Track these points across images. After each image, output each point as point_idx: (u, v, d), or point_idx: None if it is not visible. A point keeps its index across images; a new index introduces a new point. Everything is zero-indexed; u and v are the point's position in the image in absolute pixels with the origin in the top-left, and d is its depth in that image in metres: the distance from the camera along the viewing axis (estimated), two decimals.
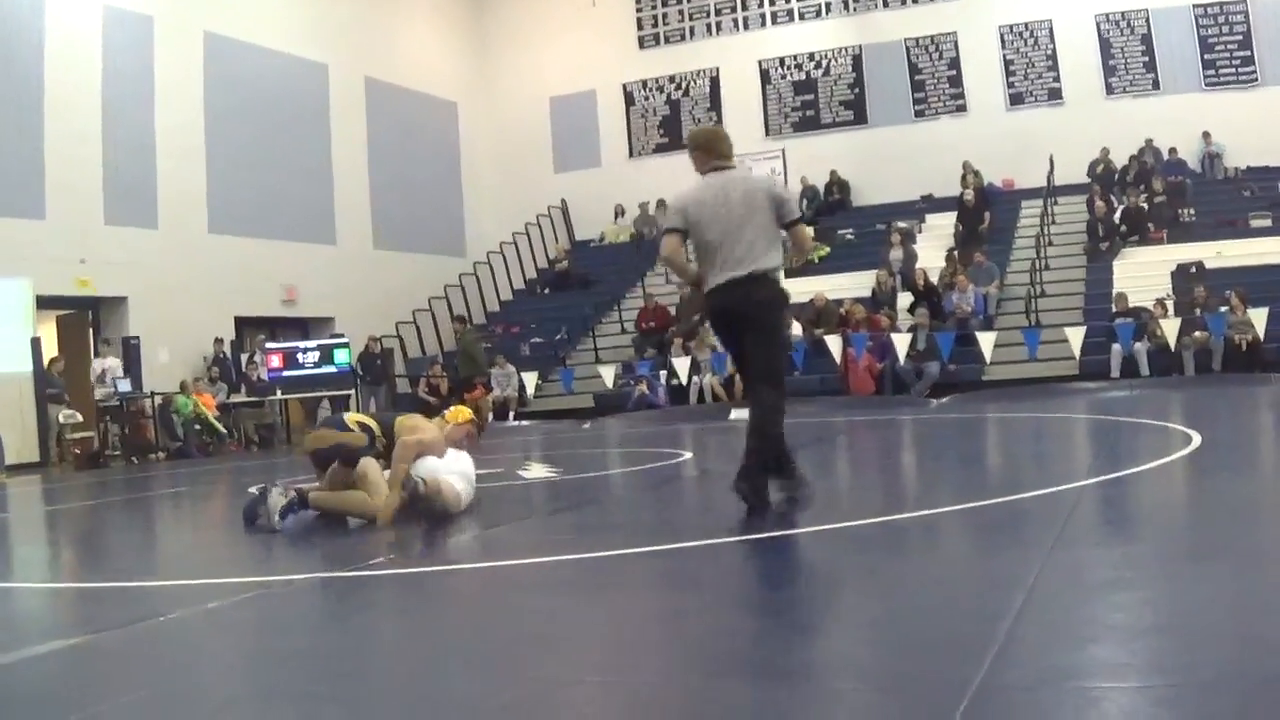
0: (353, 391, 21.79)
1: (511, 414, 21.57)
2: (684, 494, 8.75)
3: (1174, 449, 8.28)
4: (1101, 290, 20.59)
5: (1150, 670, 3.02)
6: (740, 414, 18.26)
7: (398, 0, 27.91)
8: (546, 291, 27.73)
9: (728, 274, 6.41)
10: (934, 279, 21.14)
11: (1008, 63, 26.39)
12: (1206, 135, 24.35)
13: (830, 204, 26.65)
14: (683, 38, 29.16)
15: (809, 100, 27.99)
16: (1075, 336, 18.54)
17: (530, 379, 21.88)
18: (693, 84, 29.03)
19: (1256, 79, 24.44)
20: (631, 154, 29.55)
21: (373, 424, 7.41)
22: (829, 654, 3.46)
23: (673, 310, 23.06)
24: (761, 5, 28.47)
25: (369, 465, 6.97)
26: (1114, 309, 19.13)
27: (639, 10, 29.50)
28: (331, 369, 21.56)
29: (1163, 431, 10.37)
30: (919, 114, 27.05)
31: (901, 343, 19.24)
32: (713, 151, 6.71)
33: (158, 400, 19.53)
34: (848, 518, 6.03)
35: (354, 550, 6.20)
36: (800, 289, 18.95)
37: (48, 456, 18.32)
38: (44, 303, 19.17)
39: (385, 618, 4.54)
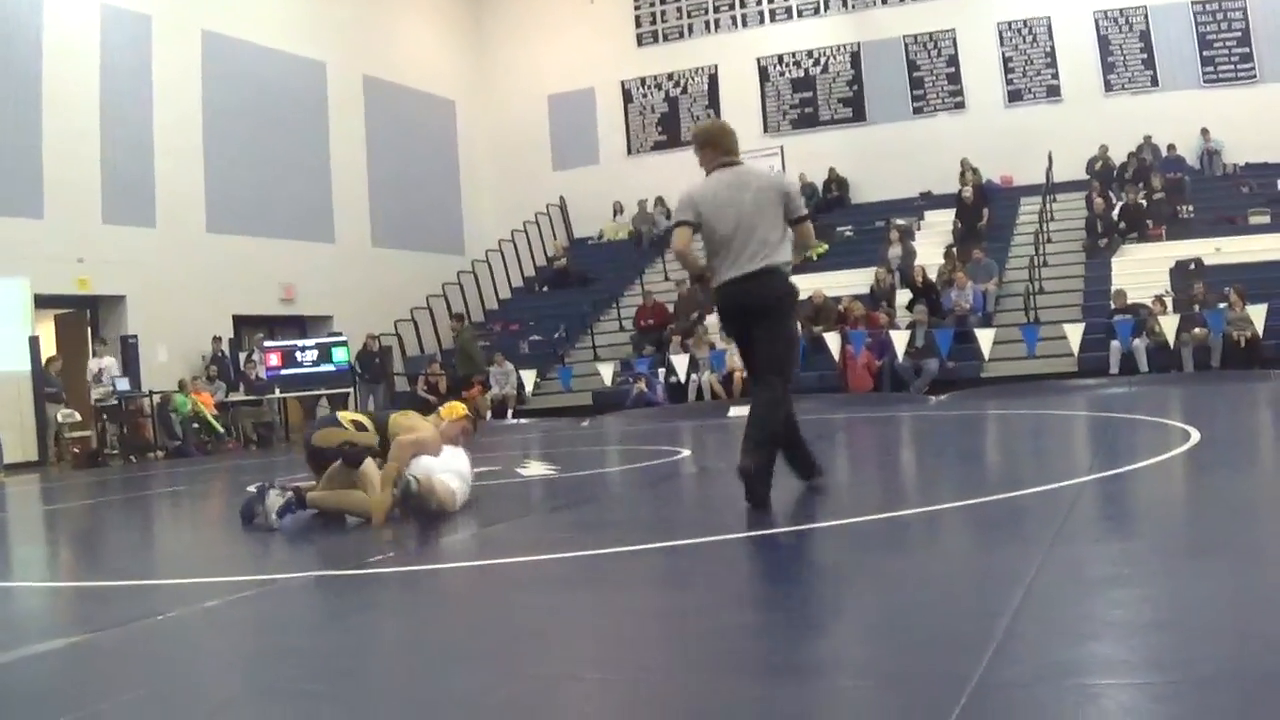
0: (351, 390, 21.80)
1: (510, 412, 21.58)
2: (682, 491, 8.74)
3: (1173, 445, 8.28)
4: (1100, 287, 20.59)
5: (1149, 667, 3.02)
6: (739, 411, 18.29)
7: None
8: (545, 289, 27.75)
9: (741, 268, 6.44)
10: (933, 276, 21.14)
11: (1006, 60, 26.41)
12: (1205, 132, 24.36)
13: (829, 201, 26.65)
14: (681, 35, 29.17)
15: (807, 98, 28.01)
16: (1074, 333, 18.53)
17: (529, 377, 21.88)
18: (691, 81, 29.04)
19: (1255, 76, 24.45)
20: (630, 151, 29.56)
21: (368, 422, 7.40)
22: (828, 650, 3.45)
23: (671, 308, 23.06)
24: (760, 3, 28.50)
25: (369, 464, 6.97)
26: (1113, 306, 19.13)
27: (637, 8, 29.52)
28: (330, 367, 21.56)
29: (1161, 428, 10.37)
30: (917, 111, 27.07)
31: (900, 340, 19.24)
32: (719, 147, 6.74)
33: (156, 399, 19.53)
34: (847, 514, 6.03)
35: (352, 548, 6.19)
36: (799, 286, 18.90)
37: (46, 456, 18.33)
38: (42, 302, 19.19)
39: (384, 616, 4.53)
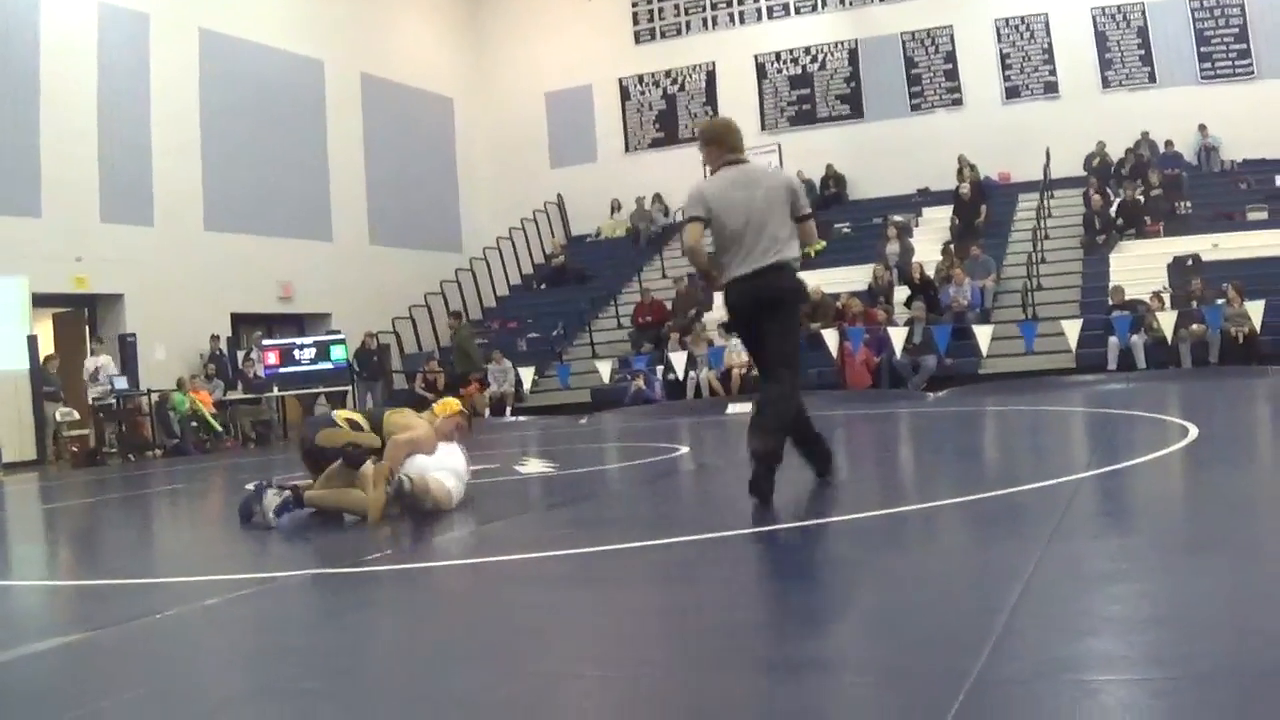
0: (350, 388, 21.79)
1: (508, 409, 21.57)
2: (681, 488, 8.74)
3: (1171, 441, 8.29)
4: (1098, 283, 20.59)
5: (1148, 662, 3.02)
6: (737, 408, 18.30)
7: None
8: (543, 287, 27.75)
9: (752, 264, 6.49)
10: (930, 272, 21.16)
11: (1004, 56, 26.41)
12: (1203, 128, 24.37)
13: (826, 198, 26.63)
14: (679, 32, 29.16)
15: (805, 94, 28.01)
16: (1072, 329, 18.54)
17: (527, 374, 21.88)
18: (689, 79, 29.04)
19: (1253, 72, 24.46)
20: (627, 149, 29.56)
21: (363, 421, 7.40)
22: (827, 647, 3.45)
23: (669, 305, 23.06)
24: (757, 0, 28.46)
25: (367, 464, 6.97)
26: (1110, 302, 19.13)
27: (634, 5, 29.52)
28: (328, 365, 21.54)
29: (1160, 424, 10.38)
30: (915, 108, 27.08)
31: (898, 336, 19.24)
32: (725, 145, 6.79)
33: (154, 398, 19.52)
34: (845, 511, 6.04)
35: (350, 547, 6.19)
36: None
37: (45, 455, 18.33)
38: (40, 301, 19.19)
39: (382, 614, 4.53)
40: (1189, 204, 22.72)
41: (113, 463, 18.15)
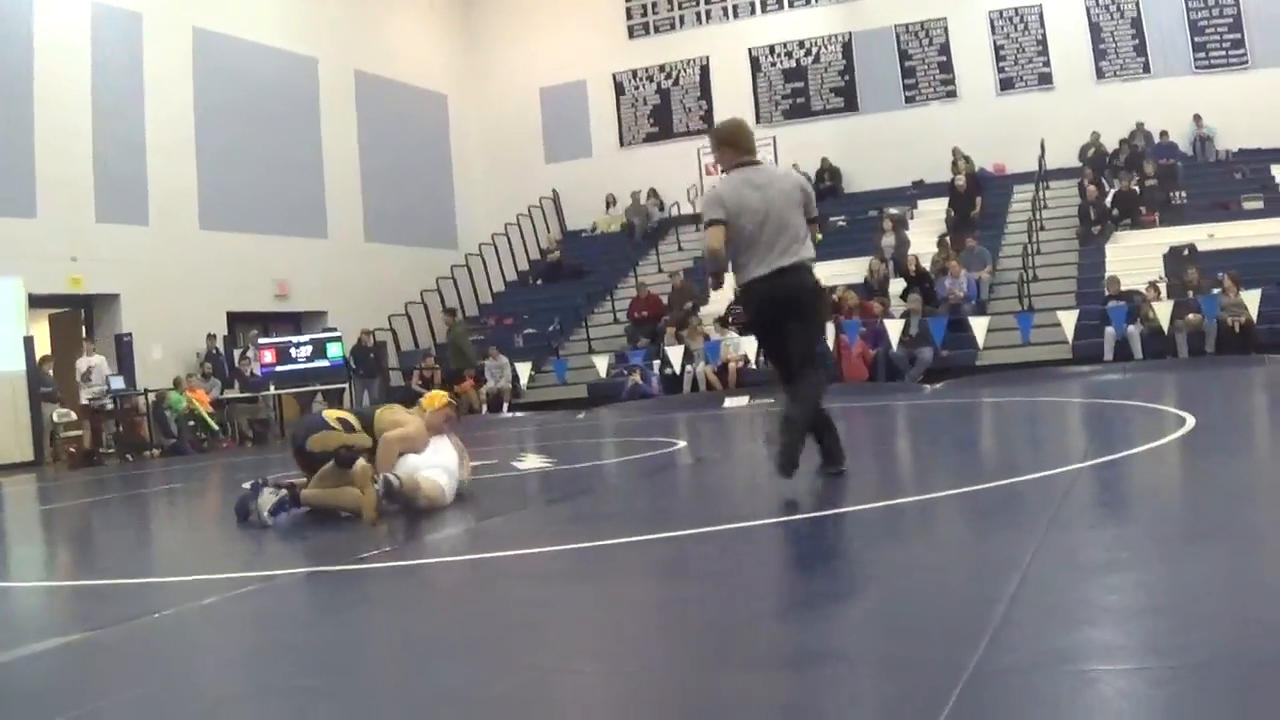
0: (346, 385, 21.78)
1: (505, 405, 21.57)
2: (678, 483, 8.75)
3: (1168, 431, 8.29)
4: (1094, 274, 20.60)
5: (1146, 652, 3.02)
6: (734, 402, 18.32)
7: None
8: (539, 282, 27.74)
9: (773, 264, 6.60)
10: (926, 265, 21.16)
11: (998, 48, 26.40)
12: (1197, 118, 24.38)
13: (821, 191, 26.54)
14: (672, 27, 29.14)
15: (799, 87, 28.00)
16: (1068, 320, 18.56)
17: (524, 370, 21.88)
18: (683, 73, 29.02)
19: (1247, 61, 24.45)
20: (622, 144, 29.55)
21: (354, 420, 7.40)
22: (825, 639, 3.45)
23: (665, 299, 23.07)
24: None
25: (360, 463, 6.97)
26: (1107, 292, 19.14)
27: (628, 0, 29.45)
28: (325, 363, 21.54)
29: (1156, 414, 10.38)
30: (909, 100, 27.07)
31: (894, 329, 19.25)
32: (739, 146, 6.90)
33: (151, 397, 19.51)
34: (843, 503, 6.05)
35: (346, 544, 6.18)
36: None
37: (42, 455, 18.31)
38: (36, 301, 19.18)
39: (379, 611, 4.53)
40: (1184, 194, 22.73)
41: (110, 463, 18.15)
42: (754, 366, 19.38)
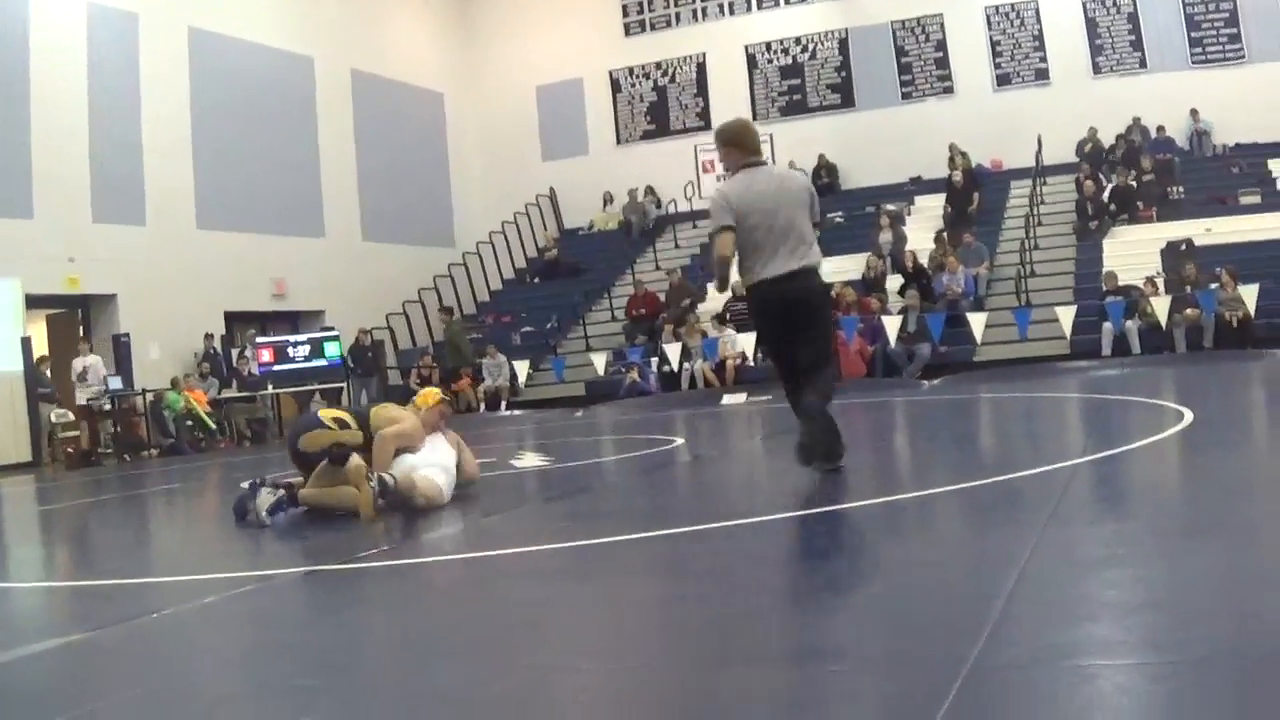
0: (344, 384, 21.77)
1: (503, 403, 21.58)
2: (676, 480, 8.74)
3: (1166, 426, 8.29)
4: (1091, 269, 20.60)
5: (1145, 647, 3.02)
6: (732, 399, 18.32)
7: None
8: (536, 280, 27.75)
9: (783, 266, 6.65)
10: (924, 261, 21.15)
11: (994, 44, 26.39)
12: (1194, 113, 24.37)
13: (819, 188, 26.10)
14: (668, 24, 29.12)
15: (795, 84, 27.99)
16: (1066, 316, 18.57)
17: (522, 368, 21.88)
18: (679, 70, 29.00)
19: (1244, 56, 24.44)
20: (619, 141, 29.53)
21: (350, 419, 7.40)
22: (824, 636, 3.45)
23: (662, 297, 23.06)
24: None
25: (352, 461, 6.96)
26: (1104, 288, 19.13)
27: None
28: (322, 362, 21.53)
29: (1155, 409, 10.38)
30: (906, 96, 27.05)
31: (892, 325, 19.25)
32: (745, 147, 6.91)
33: (149, 397, 19.50)
34: (842, 500, 6.05)
35: (345, 543, 6.18)
36: None
37: (40, 456, 18.30)
38: (34, 302, 19.15)
39: (377, 610, 4.53)
40: (1181, 189, 22.73)
41: (108, 463, 18.15)
42: (752, 364, 19.38)
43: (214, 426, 19.96)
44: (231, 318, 23.10)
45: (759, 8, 28.30)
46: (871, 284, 21.28)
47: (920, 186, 25.81)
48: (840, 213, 25.40)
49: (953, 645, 2.99)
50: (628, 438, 13.19)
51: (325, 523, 6.85)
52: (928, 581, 4.01)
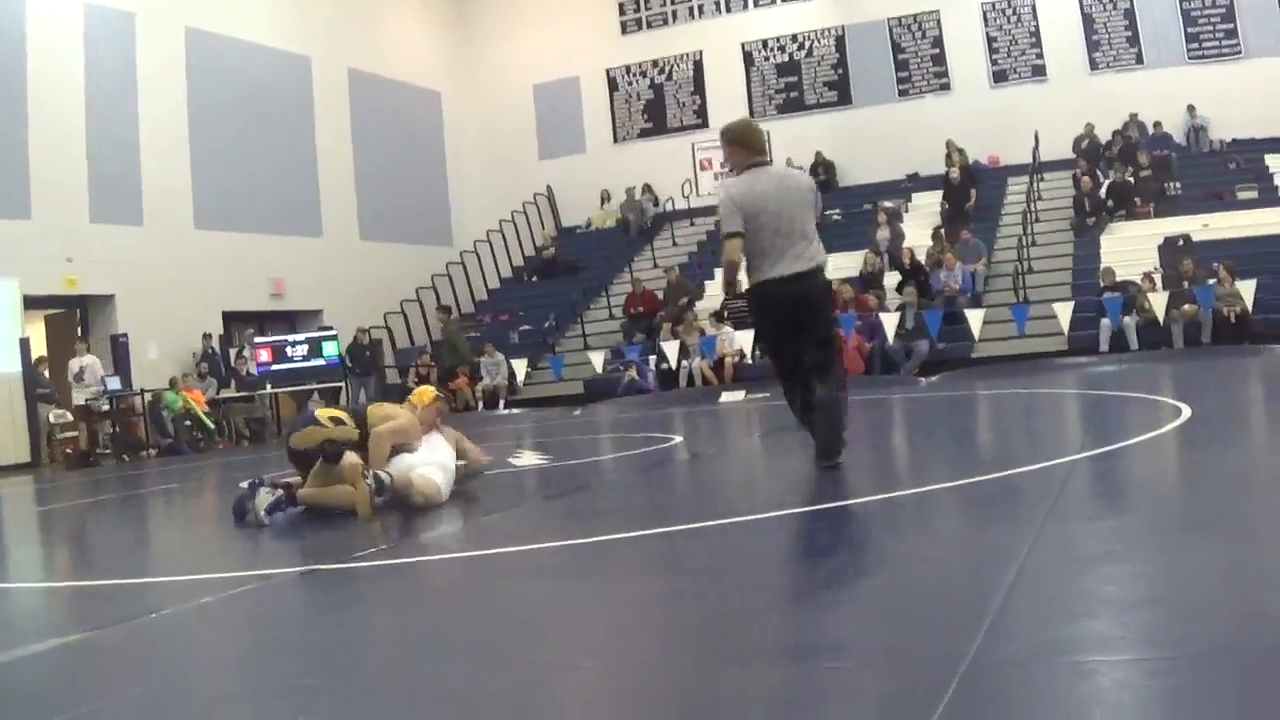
0: (343, 384, 21.76)
1: (502, 402, 21.58)
2: (675, 478, 8.74)
3: (1164, 422, 8.30)
4: (1089, 265, 20.60)
5: (1144, 643, 3.02)
6: (730, 397, 18.31)
7: None
8: (534, 279, 27.74)
9: (790, 266, 6.72)
10: (921, 258, 21.15)
11: (991, 40, 26.38)
12: (1191, 108, 24.37)
13: (816, 185, 26.56)
14: (665, 22, 29.10)
15: (792, 82, 27.98)
16: (1063, 312, 18.57)
17: (520, 366, 21.90)
18: (676, 68, 28.99)
19: (1240, 51, 24.44)
20: (616, 139, 29.52)
21: (347, 418, 7.40)
22: (823, 633, 3.45)
23: (660, 295, 23.06)
24: None
25: (349, 459, 6.96)
26: (1102, 284, 19.13)
27: None
28: (321, 362, 21.52)
29: (1153, 405, 10.39)
30: (903, 93, 27.04)
31: (890, 322, 19.25)
32: (751, 147, 6.96)
33: (147, 397, 19.49)
34: (840, 497, 6.05)
35: (344, 542, 6.18)
36: None
37: (39, 457, 18.30)
38: (31, 303, 19.14)
39: (376, 609, 4.53)
40: (1178, 184, 22.72)
41: (107, 463, 18.14)
42: (750, 361, 19.39)
43: (212, 426, 19.96)
44: (229, 317, 23.09)
45: (755, 5, 28.29)
46: (869, 281, 21.28)
47: (917, 183, 25.82)
48: (838, 210, 25.37)
49: (951, 641, 2.99)
50: (626, 436, 13.19)
51: (324, 522, 6.85)
52: (926, 578, 4.01)
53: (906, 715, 2.57)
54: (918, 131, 25.87)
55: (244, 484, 7.23)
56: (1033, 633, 3.13)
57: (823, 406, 6.72)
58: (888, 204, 24.01)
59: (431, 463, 7.18)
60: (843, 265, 22.00)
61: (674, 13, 29.00)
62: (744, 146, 6.93)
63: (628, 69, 29.37)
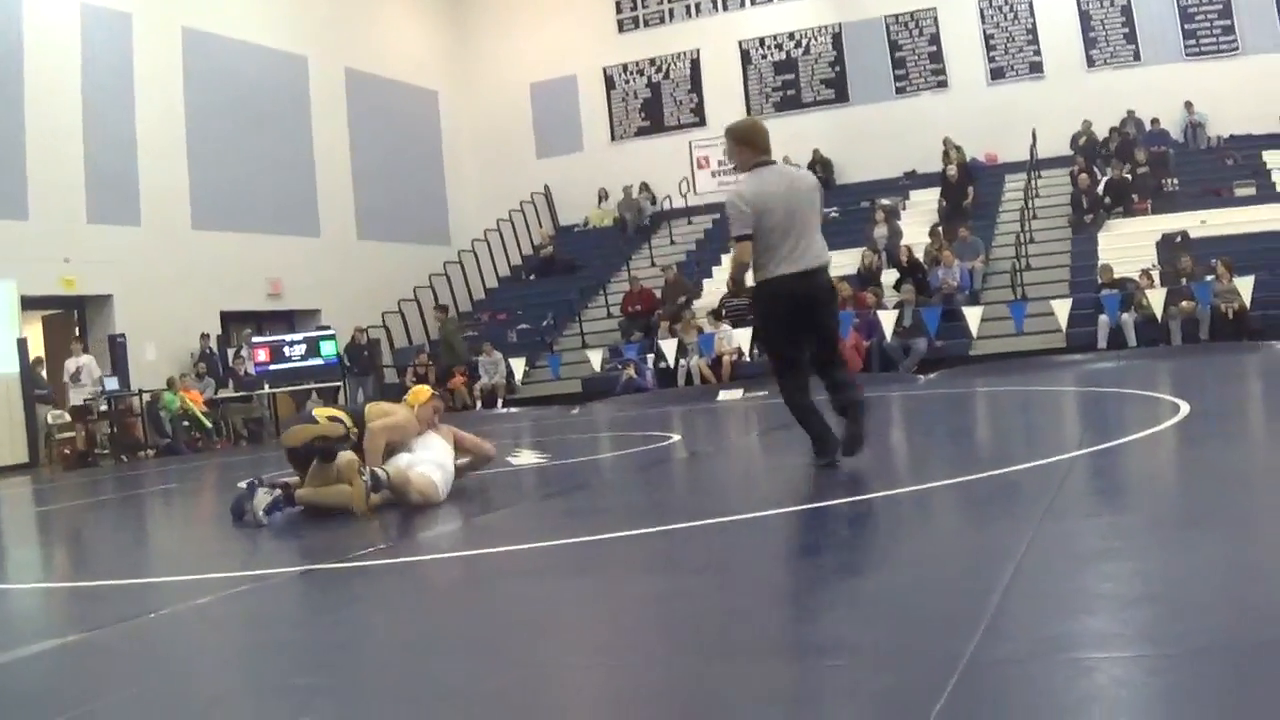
0: (341, 383, 21.75)
1: (500, 401, 21.57)
2: (673, 476, 8.74)
3: (1163, 419, 8.30)
4: (1087, 262, 20.61)
5: (1142, 640, 3.02)
6: (728, 395, 18.30)
7: None
8: (532, 278, 27.72)
9: (799, 264, 6.76)
10: (919, 255, 21.14)
11: (988, 37, 26.37)
12: (1189, 105, 24.38)
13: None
14: (662, 20, 29.09)
15: (790, 80, 27.96)
16: (1061, 309, 18.58)
17: (518, 365, 21.89)
18: (673, 66, 28.97)
19: (1237, 48, 24.44)
20: (613, 138, 29.51)
21: (343, 416, 7.40)
22: (821, 630, 3.45)
23: (658, 293, 23.05)
24: None
25: (345, 456, 6.96)
26: (1100, 280, 19.12)
27: None
28: (319, 361, 21.49)
29: (1151, 401, 10.39)
30: (900, 91, 27.04)
31: (888, 319, 19.25)
32: (756, 146, 6.98)
33: (145, 398, 19.48)
34: (838, 495, 6.04)
35: (342, 542, 6.18)
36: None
37: (37, 457, 18.29)
38: (29, 303, 19.11)
39: (374, 608, 4.53)
40: (1176, 181, 22.73)
41: (105, 464, 18.12)
42: (748, 359, 19.39)
43: (210, 426, 19.94)
44: (227, 317, 23.07)
45: (752, 3, 28.27)
46: (867, 278, 21.27)
47: (915, 181, 25.80)
48: (835, 208, 25.32)
49: (950, 639, 2.99)
50: (624, 434, 13.19)
51: (322, 522, 6.84)
52: (925, 576, 4.01)
53: (905, 712, 2.58)
54: (915, 129, 25.87)
55: (242, 484, 7.23)
56: (1031, 630, 3.13)
57: (850, 401, 6.84)
58: (885, 202, 24.00)
59: (429, 461, 7.18)
60: (841, 263, 21.88)
61: (671, 11, 28.98)
62: (750, 145, 6.93)
63: (625, 67, 29.35)
